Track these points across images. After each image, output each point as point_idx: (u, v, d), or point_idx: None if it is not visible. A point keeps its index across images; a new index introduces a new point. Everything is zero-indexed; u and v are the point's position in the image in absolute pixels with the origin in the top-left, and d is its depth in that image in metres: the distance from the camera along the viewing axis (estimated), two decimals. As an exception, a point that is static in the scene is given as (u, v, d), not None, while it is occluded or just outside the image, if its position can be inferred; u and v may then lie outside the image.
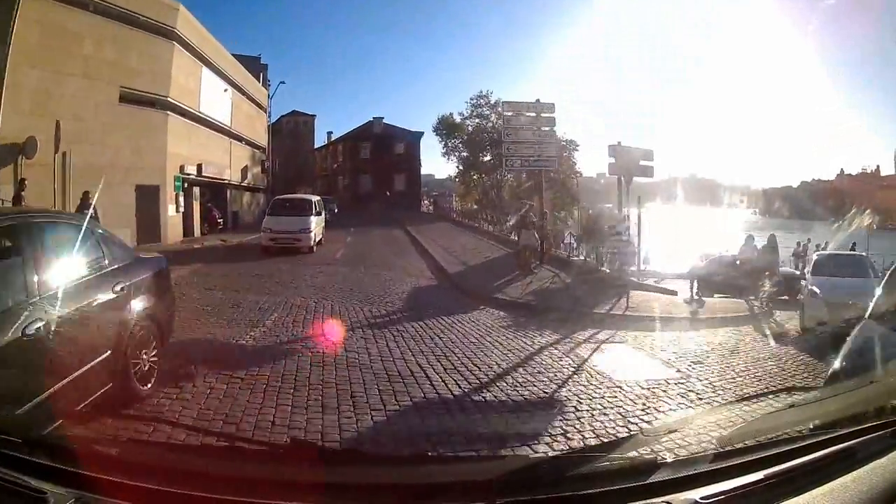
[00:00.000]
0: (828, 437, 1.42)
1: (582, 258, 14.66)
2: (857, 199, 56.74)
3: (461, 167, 42.47)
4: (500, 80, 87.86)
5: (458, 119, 42.49)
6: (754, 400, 3.32)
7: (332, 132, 61.22)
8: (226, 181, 26.27)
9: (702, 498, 1.21)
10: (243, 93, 29.78)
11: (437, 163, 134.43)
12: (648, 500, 1.22)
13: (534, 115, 14.77)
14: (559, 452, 3.15)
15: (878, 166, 65.06)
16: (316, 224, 16.68)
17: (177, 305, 5.40)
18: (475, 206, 38.72)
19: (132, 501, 1.18)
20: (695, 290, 11.12)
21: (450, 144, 42.90)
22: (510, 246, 17.44)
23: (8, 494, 1.19)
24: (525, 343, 6.64)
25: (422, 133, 50.90)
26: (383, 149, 51.97)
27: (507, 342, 6.68)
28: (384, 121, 54.61)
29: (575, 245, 17.27)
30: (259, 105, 32.86)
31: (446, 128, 43.19)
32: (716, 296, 11.29)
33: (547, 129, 14.86)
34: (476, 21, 79.95)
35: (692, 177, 43.79)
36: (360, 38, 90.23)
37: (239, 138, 28.99)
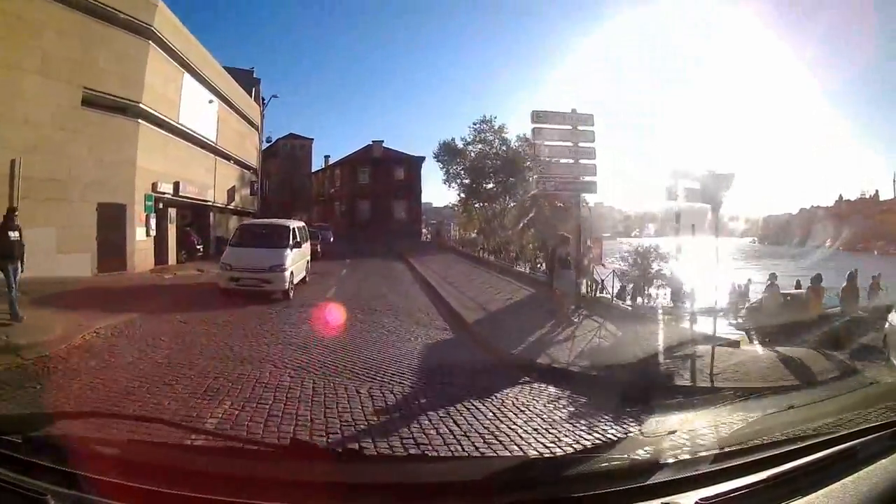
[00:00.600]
0: (828, 437, 1.47)
1: (617, 299, 13.77)
2: (855, 224, 57.49)
3: (462, 194, 41.22)
4: (504, 106, 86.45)
5: (460, 144, 41.10)
6: (754, 400, 3.22)
7: (329, 156, 61.54)
8: (209, 202, 24.87)
9: (702, 499, 1.24)
10: (232, 107, 28.86)
11: (436, 190, 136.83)
12: (648, 501, 1.24)
13: (569, 127, 13.07)
14: (559, 453, 3.26)
15: (876, 191, 66.19)
16: (294, 259, 13.31)
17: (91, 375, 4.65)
18: (476, 235, 39.34)
19: (132, 501, 1.20)
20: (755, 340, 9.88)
21: (451, 171, 41.32)
22: (529, 283, 16.45)
23: (8, 494, 1.21)
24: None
25: (423, 158, 51.09)
26: (383, 174, 51.99)
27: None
28: (384, 144, 52.10)
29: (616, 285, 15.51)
30: (250, 122, 31.32)
31: (448, 153, 41.69)
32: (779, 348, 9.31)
33: (585, 145, 12.11)
34: (480, 43, 78.51)
35: (689, 207, 34.44)
36: (361, 61, 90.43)
37: (226, 156, 27.90)
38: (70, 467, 1.26)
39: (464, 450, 4.52)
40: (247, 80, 33.44)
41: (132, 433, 2.71)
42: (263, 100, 49.35)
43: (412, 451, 4.50)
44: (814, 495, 1.26)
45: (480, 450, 4.50)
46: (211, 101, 24.45)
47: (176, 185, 19.89)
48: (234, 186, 28.80)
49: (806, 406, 2.01)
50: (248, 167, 30.73)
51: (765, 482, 1.31)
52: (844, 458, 1.40)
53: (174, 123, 19.83)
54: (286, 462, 1.51)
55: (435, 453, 4.36)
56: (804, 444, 1.44)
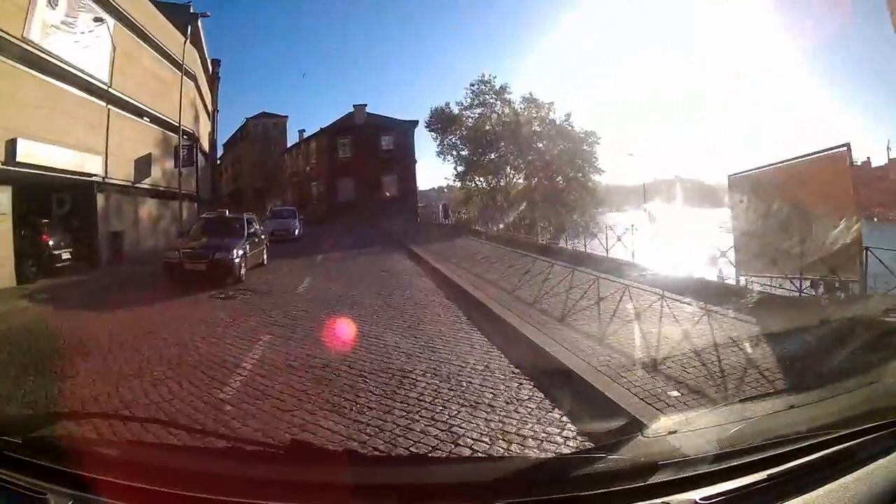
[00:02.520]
0: (828, 437, 1.52)
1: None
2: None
3: (459, 168, 37.14)
4: (508, 66, 77.73)
5: (455, 109, 37.03)
6: (755, 400, 3.02)
7: (304, 130, 54.46)
8: (94, 177, 16.61)
9: (702, 499, 1.29)
10: (146, 38, 20.68)
11: (420, 172, 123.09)
12: (648, 501, 1.29)
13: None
14: (559, 454, 3.29)
15: (868, 158, 66.07)
16: None
17: None
18: (476, 214, 34.95)
19: (132, 502, 1.24)
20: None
21: (446, 141, 37.27)
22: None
23: (8, 495, 1.26)
24: None
25: (415, 123, 44.52)
26: (368, 145, 44.70)
27: None
28: (368, 110, 42.72)
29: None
30: (179, 65, 21.23)
31: (441, 121, 37.25)
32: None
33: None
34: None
35: (677, 178, 39.53)
36: (336, 19, 78.68)
37: (134, 109, 19.78)
38: (70, 467, 1.29)
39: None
40: (178, 14, 23.76)
41: (132, 433, 2.73)
42: (218, 67, 40.11)
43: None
44: (814, 495, 1.31)
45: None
46: (99, 21, 16.49)
47: (10, 146, 12.29)
48: (148, 155, 19.76)
49: (806, 406, 2.00)
50: (173, 128, 21.43)
51: (765, 482, 1.34)
52: (844, 458, 1.44)
53: (13, 40, 12.59)
54: (286, 462, 1.48)
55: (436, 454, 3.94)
56: (804, 444, 1.47)
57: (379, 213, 37.70)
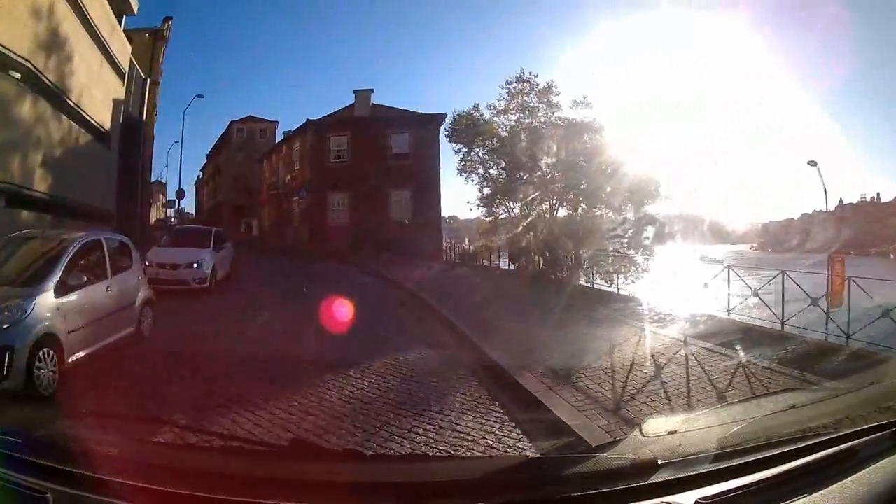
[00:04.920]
0: (828, 438, 1.53)
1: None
2: (859, 227, 60.40)
3: (485, 191, 27.69)
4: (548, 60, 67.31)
5: (487, 114, 27.55)
6: (755, 401, 3.11)
7: (290, 131, 42.41)
8: None
9: (701, 498, 1.29)
10: None
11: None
12: (648, 501, 1.30)
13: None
14: (559, 453, 3.34)
15: (878, 193, 70.06)
16: None
17: None
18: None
19: (132, 501, 1.25)
20: None
21: (472, 156, 27.86)
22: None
23: (8, 495, 1.27)
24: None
25: (441, 117, 30.20)
26: (372, 146, 32.55)
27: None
28: (374, 101, 31.26)
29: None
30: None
31: (465, 129, 27.74)
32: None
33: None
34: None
35: (682, 216, 27.91)
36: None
37: None
38: (70, 467, 1.30)
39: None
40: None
41: (132, 433, 2.60)
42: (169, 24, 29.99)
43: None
44: (814, 495, 1.32)
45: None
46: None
47: None
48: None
49: (806, 406, 2.01)
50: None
51: (764, 482, 1.35)
52: (845, 458, 1.45)
53: None
54: (286, 462, 1.54)
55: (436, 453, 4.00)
56: (804, 444, 1.48)
57: (384, 245, 26.77)
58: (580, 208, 27.62)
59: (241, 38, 78.73)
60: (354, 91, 33.34)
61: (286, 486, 1.29)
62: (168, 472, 1.32)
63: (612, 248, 25.96)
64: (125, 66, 22.96)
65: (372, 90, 33.37)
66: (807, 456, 1.43)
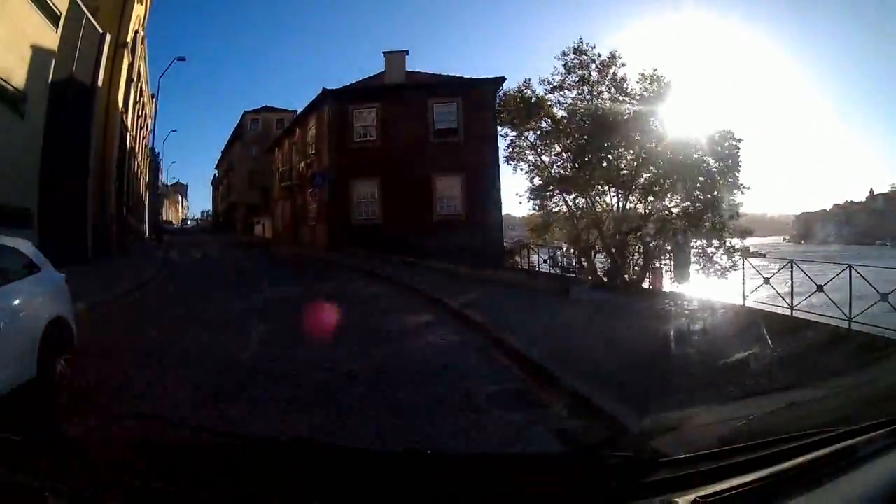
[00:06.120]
0: (828, 436, 1.51)
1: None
2: None
3: (535, 181, 24.46)
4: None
5: (540, 91, 23.87)
6: (754, 398, 3.14)
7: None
8: None
9: (701, 497, 1.27)
10: None
11: None
12: (647, 500, 1.28)
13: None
14: (558, 451, 3.20)
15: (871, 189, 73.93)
16: None
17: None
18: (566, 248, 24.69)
19: (132, 501, 1.23)
20: None
21: (519, 142, 24.80)
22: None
23: (8, 494, 1.25)
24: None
25: (500, 81, 25.52)
26: (410, 120, 25.11)
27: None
28: (408, 65, 28.59)
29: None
30: None
31: (515, 110, 24.33)
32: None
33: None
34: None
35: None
36: None
37: None
38: (70, 467, 1.30)
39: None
40: None
41: (132, 432, 2.40)
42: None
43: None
44: (813, 493, 1.30)
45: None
46: None
47: None
48: None
49: (806, 404, 1.96)
50: None
51: (764, 480, 1.33)
52: (844, 457, 1.43)
53: None
54: (286, 461, 1.47)
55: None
56: (804, 443, 1.46)
57: (428, 249, 19.85)
58: (648, 200, 24.72)
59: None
60: (385, 53, 26.34)
61: (287, 487, 1.29)
62: (167, 472, 1.31)
63: (698, 243, 23.79)
64: (61, 5, 16.22)
65: (406, 52, 26.44)
66: (806, 454, 1.41)
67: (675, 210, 23.27)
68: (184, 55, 53.65)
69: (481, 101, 24.77)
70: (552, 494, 1.26)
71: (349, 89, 26.24)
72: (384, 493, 1.30)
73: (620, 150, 23.23)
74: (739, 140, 22.74)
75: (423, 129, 24.54)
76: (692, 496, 1.23)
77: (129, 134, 25.81)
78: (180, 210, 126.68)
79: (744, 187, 23.00)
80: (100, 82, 19.77)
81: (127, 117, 25.38)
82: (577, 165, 23.61)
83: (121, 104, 22.73)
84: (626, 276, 21.64)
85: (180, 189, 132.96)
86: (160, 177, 78.70)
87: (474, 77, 25.81)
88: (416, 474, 1.43)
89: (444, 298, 10.84)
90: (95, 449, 1.42)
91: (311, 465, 1.42)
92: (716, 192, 22.89)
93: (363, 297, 12.38)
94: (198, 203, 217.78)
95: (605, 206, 24.37)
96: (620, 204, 24.11)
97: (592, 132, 22.64)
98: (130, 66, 25.00)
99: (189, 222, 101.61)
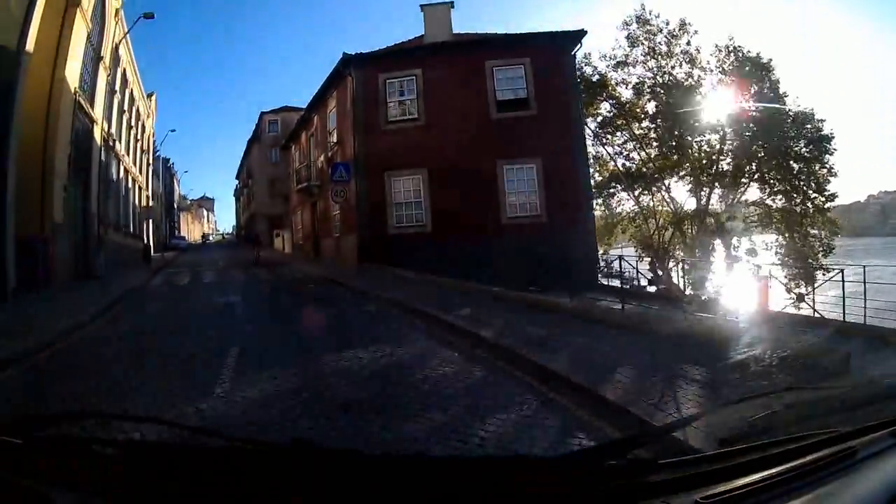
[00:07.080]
0: (828, 436, 1.49)
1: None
2: None
3: (596, 176, 22.37)
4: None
5: (602, 67, 22.89)
6: (754, 400, 2.65)
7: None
8: None
9: (701, 498, 1.25)
10: None
11: None
12: (647, 501, 1.26)
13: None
14: (557, 452, 3.21)
15: None
16: None
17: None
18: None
19: (132, 502, 1.22)
20: None
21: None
22: None
23: (9, 496, 1.23)
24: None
25: (580, 35, 19.30)
26: (460, 89, 18.48)
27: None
28: (454, 24, 21.57)
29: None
30: None
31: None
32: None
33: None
34: None
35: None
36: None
37: None
38: (71, 468, 1.28)
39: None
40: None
41: (133, 433, 2.72)
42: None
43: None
44: (813, 494, 1.28)
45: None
46: None
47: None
48: None
49: (806, 404, 1.99)
50: None
51: (764, 481, 1.32)
52: (844, 458, 1.42)
53: None
54: (286, 462, 1.45)
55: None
56: (804, 443, 1.45)
57: (499, 267, 14.41)
58: (737, 191, 23.08)
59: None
60: (422, 7, 20.16)
61: (286, 487, 1.27)
62: (167, 473, 1.30)
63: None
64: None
65: (451, 3, 20.11)
66: (806, 455, 1.41)
67: (769, 202, 21.38)
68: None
69: (557, 62, 18.96)
70: (552, 495, 1.26)
71: (378, 54, 19.74)
72: (384, 494, 1.27)
73: (702, 133, 20.83)
74: (822, 121, 20.86)
75: (482, 102, 18.60)
76: (693, 498, 1.23)
77: (97, 127, 20.32)
78: (205, 225, 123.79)
79: (832, 172, 20.71)
80: (29, 46, 14.23)
81: (93, 107, 19.91)
82: (648, 153, 21.00)
83: (74, 84, 17.28)
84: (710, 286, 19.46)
85: (206, 203, 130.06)
86: (176, 189, 74.28)
87: (544, 31, 19.78)
88: (416, 476, 1.40)
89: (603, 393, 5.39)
90: (96, 450, 1.41)
91: (310, 467, 1.38)
92: (809, 179, 20.85)
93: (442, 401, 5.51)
94: (227, 219, 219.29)
95: (677, 202, 22.28)
96: (702, 194, 21.61)
97: (667, 113, 19.73)
98: (91, 36, 19.47)
99: (211, 237, 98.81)
